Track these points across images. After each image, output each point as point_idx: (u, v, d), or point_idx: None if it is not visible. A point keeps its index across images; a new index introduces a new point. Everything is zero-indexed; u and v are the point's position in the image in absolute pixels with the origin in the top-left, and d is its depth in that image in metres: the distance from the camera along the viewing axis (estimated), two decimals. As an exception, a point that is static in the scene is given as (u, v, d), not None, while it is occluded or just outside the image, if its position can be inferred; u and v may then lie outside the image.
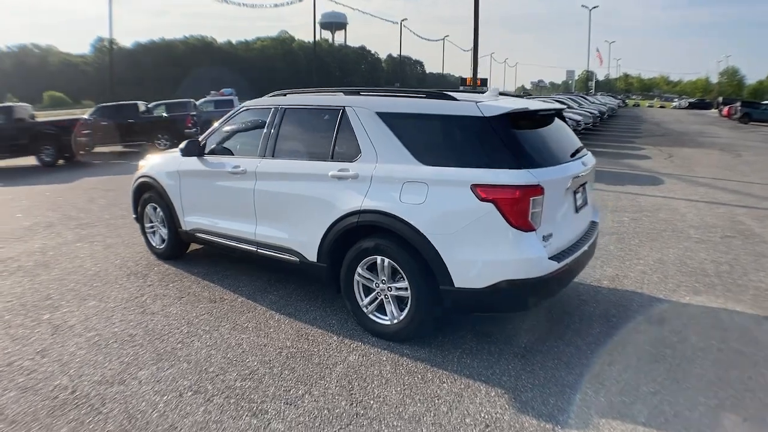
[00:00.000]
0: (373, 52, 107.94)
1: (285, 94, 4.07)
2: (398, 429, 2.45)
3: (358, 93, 3.65)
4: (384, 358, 3.11)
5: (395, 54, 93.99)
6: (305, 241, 3.58)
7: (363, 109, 3.42)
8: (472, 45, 17.66)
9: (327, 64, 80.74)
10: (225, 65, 70.19)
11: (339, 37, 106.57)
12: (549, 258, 2.98)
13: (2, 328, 3.55)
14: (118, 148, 15.94)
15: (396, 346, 3.24)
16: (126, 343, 3.32)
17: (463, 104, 3.16)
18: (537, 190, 2.91)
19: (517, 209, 2.86)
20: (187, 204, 4.55)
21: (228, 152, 4.31)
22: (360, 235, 3.28)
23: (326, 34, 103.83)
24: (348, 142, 3.44)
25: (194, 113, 16.39)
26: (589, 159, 3.66)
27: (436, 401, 2.67)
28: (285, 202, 3.70)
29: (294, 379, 2.89)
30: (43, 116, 16.45)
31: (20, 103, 14.33)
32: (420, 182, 3.05)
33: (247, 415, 2.55)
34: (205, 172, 4.33)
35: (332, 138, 3.51)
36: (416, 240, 2.99)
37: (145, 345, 3.29)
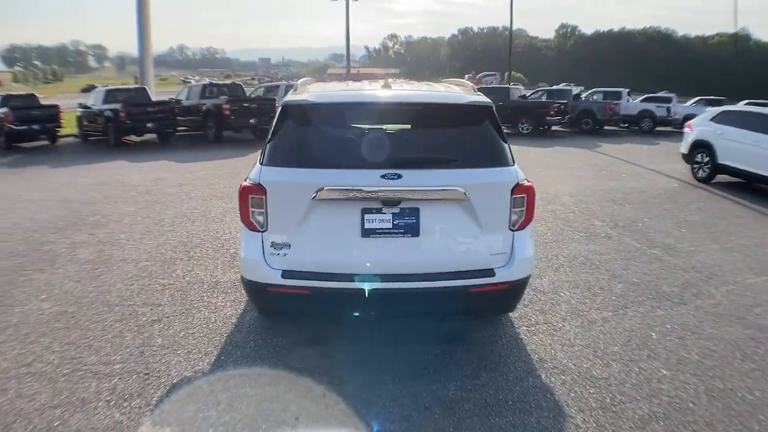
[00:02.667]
0: None
1: None
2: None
3: None
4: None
5: None
6: None
7: None
8: None
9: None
10: (679, 58, 63.59)
11: None
12: (277, 268, 2.79)
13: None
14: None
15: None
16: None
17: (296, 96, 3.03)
18: (256, 189, 2.77)
19: (242, 206, 2.85)
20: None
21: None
22: None
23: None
24: None
25: (563, 102, 16.94)
26: (425, 179, 2.77)
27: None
28: None
29: None
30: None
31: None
32: None
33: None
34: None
35: None
36: None
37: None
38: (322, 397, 2.75)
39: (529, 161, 11.43)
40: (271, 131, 2.95)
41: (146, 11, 18.67)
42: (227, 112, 14.32)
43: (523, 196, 2.91)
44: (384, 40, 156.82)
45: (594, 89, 19.26)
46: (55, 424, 2.56)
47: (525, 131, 16.75)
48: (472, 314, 3.34)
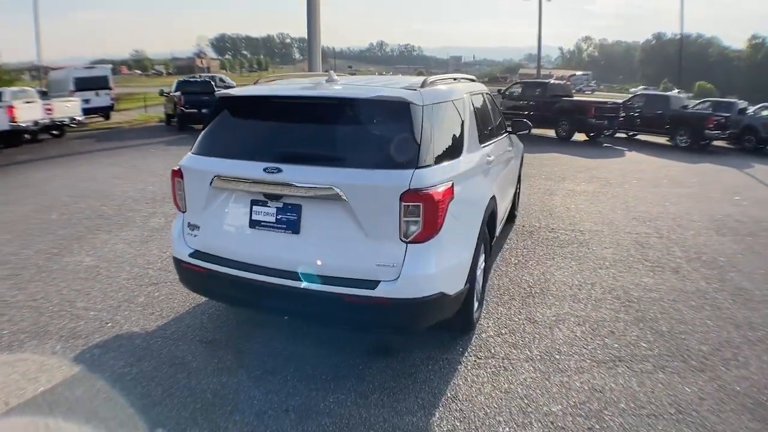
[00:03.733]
0: None
1: None
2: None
3: None
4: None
5: None
6: None
7: None
8: None
9: None
10: None
11: None
12: (189, 247, 3.00)
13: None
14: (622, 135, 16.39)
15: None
16: None
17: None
18: (177, 173, 3.03)
19: (172, 187, 3.15)
20: None
21: None
22: None
23: None
24: None
25: (723, 115, 14.20)
26: (303, 175, 2.62)
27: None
28: None
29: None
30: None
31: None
32: None
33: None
34: None
35: None
36: None
37: None
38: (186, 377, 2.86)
39: (661, 176, 9.85)
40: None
41: (316, 3, 19.50)
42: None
43: (419, 205, 2.53)
44: (578, 42, 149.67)
45: (763, 104, 15.71)
46: (14, 344, 3.19)
47: (683, 144, 14.39)
48: (354, 326, 3.04)
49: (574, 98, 15.65)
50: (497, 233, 4.05)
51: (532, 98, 15.92)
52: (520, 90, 16.84)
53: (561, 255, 5.07)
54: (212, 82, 18.13)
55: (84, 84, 18.53)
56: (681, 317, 3.75)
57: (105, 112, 19.39)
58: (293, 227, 2.73)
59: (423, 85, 3.01)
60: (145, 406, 2.61)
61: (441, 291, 2.68)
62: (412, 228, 2.56)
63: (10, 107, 12.52)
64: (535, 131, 16.93)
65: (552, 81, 18.42)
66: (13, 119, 12.44)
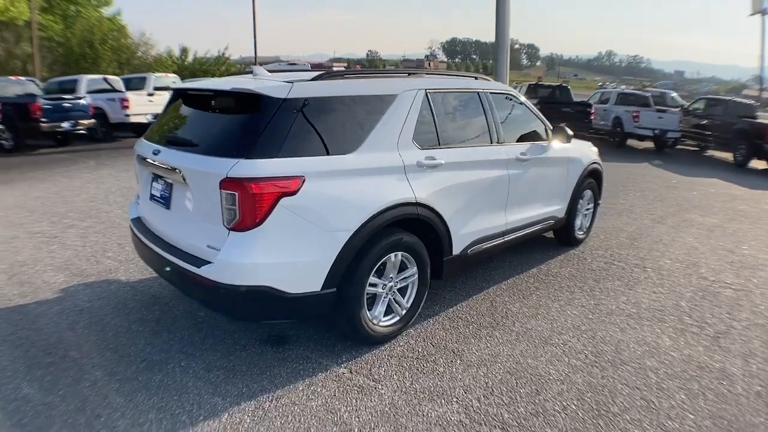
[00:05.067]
0: None
1: None
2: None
3: None
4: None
5: None
6: None
7: None
8: None
9: None
10: None
11: None
12: (134, 214, 3.56)
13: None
14: None
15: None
16: None
17: None
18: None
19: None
20: None
21: None
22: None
23: None
24: None
25: None
26: (168, 157, 2.92)
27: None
28: None
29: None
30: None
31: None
32: None
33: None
34: None
35: None
36: None
37: None
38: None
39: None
40: None
41: (506, 2, 19.35)
42: None
43: (233, 194, 2.52)
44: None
45: None
46: None
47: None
48: (203, 304, 3.08)
49: (758, 120, 12.05)
50: (456, 252, 3.57)
51: (712, 117, 13.30)
52: (702, 107, 14.09)
53: (588, 292, 4.18)
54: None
55: None
56: (647, 406, 2.77)
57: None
58: (167, 203, 3.04)
59: (317, 78, 2.96)
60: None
61: (268, 285, 2.62)
62: (231, 216, 2.58)
63: (125, 99, 12.34)
64: (713, 154, 13.86)
65: (735, 98, 15.16)
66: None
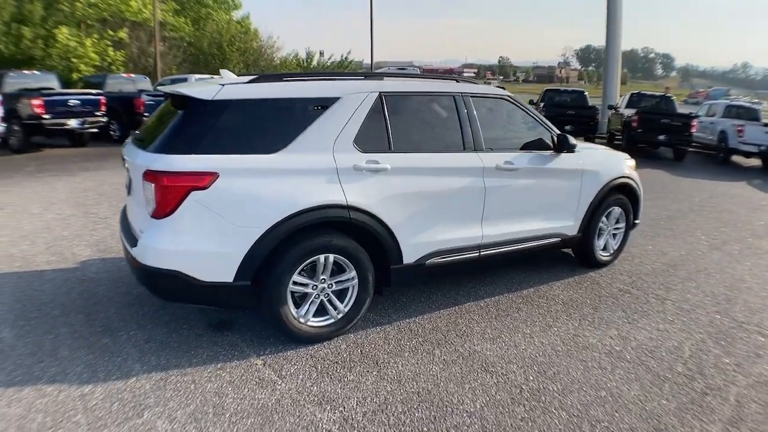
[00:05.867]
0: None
1: None
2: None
3: None
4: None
5: None
6: None
7: None
8: None
9: None
10: None
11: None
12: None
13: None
14: None
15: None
16: None
17: None
18: None
19: None
20: None
21: None
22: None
23: None
24: None
25: None
26: (128, 152, 3.17)
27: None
28: None
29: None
30: None
31: None
32: None
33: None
34: None
35: None
36: None
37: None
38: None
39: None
40: None
41: (617, 11, 17.98)
42: (634, 124, 13.12)
43: (151, 185, 2.74)
44: None
45: None
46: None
47: None
48: (137, 281, 3.26)
49: None
50: (409, 261, 3.43)
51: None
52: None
53: (575, 320, 3.75)
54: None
55: None
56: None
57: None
58: (128, 192, 3.39)
59: (252, 81, 3.08)
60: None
61: (178, 270, 2.80)
62: (151, 205, 2.80)
63: None
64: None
65: None
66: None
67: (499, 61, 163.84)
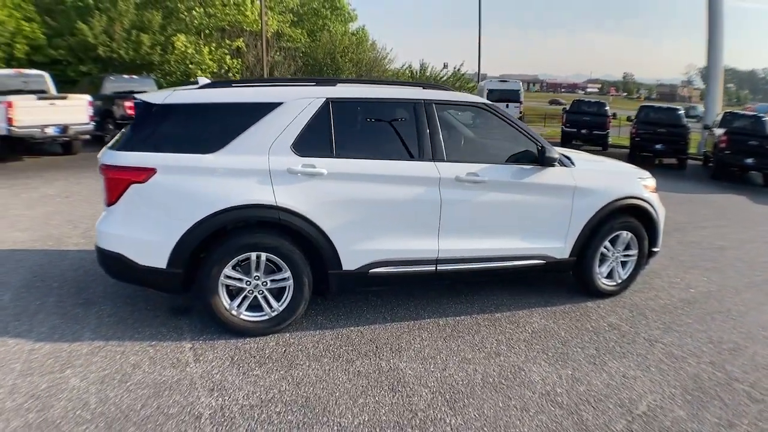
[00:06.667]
0: None
1: None
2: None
3: None
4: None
5: None
6: None
7: None
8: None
9: None
10: None
11: None
12: None
13: None
14: None
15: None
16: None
17: None
18: None
19: None
20: None
21: None
22: None
23: None
24: None
25: None
26: (101, 152, 3.34)
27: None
28: None
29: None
30: None
31: None
32: None
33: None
34: None
35: None
36: None
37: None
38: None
39: None
40: None
41: (719, 26, 16.38)
42: (722, 145, 11.89)
43: (102, 177, 3.13)
44: None
45: None
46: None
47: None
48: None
49: None
50: (349, 268, 3.42)
51: None
52: None
53: (531, 354, 3.43)
54: (603, 102, 17.38)
55: (496, 96, 20.20)
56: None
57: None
58: None
59: (203, 87, 3.36)
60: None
61: (119, 252, 3.16)
62: (104, 194, 3.22)
63: None
64: None
65: None
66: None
67: (624, 77, 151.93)
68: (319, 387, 2.91)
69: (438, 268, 3.66)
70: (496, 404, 2.82)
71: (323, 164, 3.31)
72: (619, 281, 4.30)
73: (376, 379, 3.01)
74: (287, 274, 3.37)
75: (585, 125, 15.62)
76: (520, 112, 21.48)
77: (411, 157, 3.54)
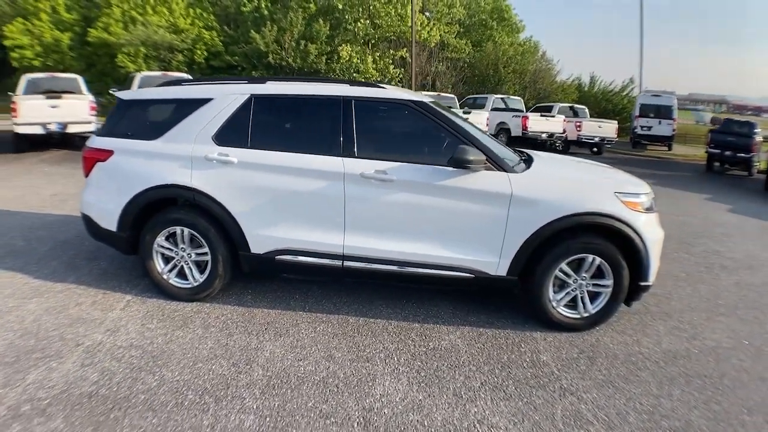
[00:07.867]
0: None
1: None
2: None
3: None
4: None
5: None
6: None
7: None
8: None
9: None
10: None
11: None
12: None
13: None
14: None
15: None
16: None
17: None
18: None
19: None
20: None
21: None
22: None
23: None
24: None
25: None
26: None
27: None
28: None
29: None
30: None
31: None
32: None
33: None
34: None
35: None
36: None
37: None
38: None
39: None
40: None
41: None
42: None
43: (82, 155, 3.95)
44: None
45: None
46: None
47: None
48: None
49: None
50: (257, 251, 3.68)
51: None
52: None
53: (435, 381, 3.18)
54: None
55: (649, 110, 18.85)
56: None
57: (666, 141, 19.16)
58: None
59: (160, 85, 4.00)
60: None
61: (89, 215, 3.98)
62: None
63: (525, 117, 15.95)
64: None
65: None
66: (524, 128, 15.88)
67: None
68: (181, 346, 3.22)
69: (345, 264, 3.61)
70: (307, 402, 2.73)
71: (236, 153, 3.62)
72: (585, 314, 3.55)
73: (231, 353, 3.17)
74: (205, 249, 3.76)
75: (729, 146, 14.17)
76: (673, 130, 19.04)
77: (322, 152, 3.59)
